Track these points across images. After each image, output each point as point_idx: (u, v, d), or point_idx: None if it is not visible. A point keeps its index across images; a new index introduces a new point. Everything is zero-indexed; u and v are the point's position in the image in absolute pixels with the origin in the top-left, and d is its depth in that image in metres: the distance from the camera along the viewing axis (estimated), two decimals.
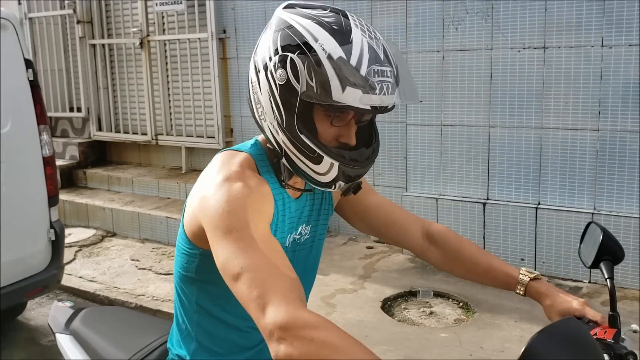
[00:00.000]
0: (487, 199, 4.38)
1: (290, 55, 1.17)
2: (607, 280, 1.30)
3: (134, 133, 6.47)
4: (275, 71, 1.20)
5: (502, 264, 1.48)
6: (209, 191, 1.22)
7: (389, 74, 1.18)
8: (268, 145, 1.32)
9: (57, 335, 1.77)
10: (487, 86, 4.28)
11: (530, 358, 0.94)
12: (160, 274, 4.66)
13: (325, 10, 1.22)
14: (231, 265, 1.10)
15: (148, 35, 6.09)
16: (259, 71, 1.24)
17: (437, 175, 4.56)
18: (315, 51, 1.16)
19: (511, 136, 4.26)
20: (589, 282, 4.01)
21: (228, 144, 5.87)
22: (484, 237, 4.34)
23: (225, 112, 5.80)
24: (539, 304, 1.42)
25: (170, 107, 6.21)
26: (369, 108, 1.16)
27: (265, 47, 1.23)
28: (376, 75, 1.15)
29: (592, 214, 3.96)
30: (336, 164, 1.22)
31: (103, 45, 6.53)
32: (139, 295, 4.29)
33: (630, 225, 3.82)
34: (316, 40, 1.17)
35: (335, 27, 1.18)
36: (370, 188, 1.57)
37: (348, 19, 1.20)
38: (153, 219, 5.40)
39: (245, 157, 1.30)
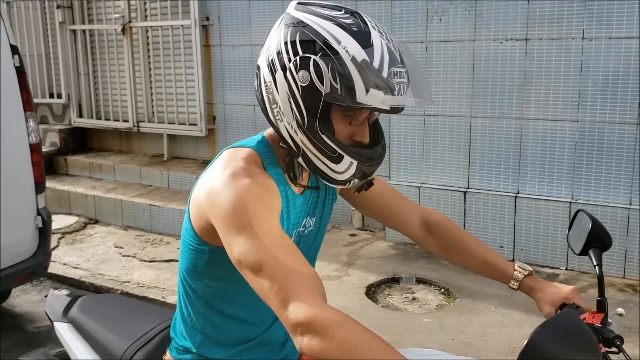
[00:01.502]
0: (468, 187, 4.48)
1: (313, 57, 1.18)
2: (596, 267, 1.37)
3: (115, 120, 6.43)
4: (297, 72, 1.20)
5: (498, 257, 1.55)
6: (218, 188, 1.22)
7: (404, 75, 1.21)
8: (281, 144, 1.31)
9: (55, 323, 1.77)
10: (470, 77, 4.35)
11: (533, 350, 1.00)
12: (145, 261, 4.67)
13: (340, 10, 1.24)
14: (249, 261, 1.13)
15: (130, 22, 6.04)
16: (276, 71, 1.23)
17: (419, 164, 4.64)
18: (339, 53, 1.17)
19: (492, 126, 4.34)
20: (566, 269, 4.13)
21: (210, 132, 5.88)
22: (464, 225, 4.43)
23: (208, 99, 5.80)
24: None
25: (152, 94, 6.18)
26: (389, 108, 1.19)
27: (282, 46, 1.22)
28: (395, 77, 1.19)
29: (570, 202, 4.07)
30: (355, 162, 1.25)
31: (84, 30, 6.46)
32: (125, 282, 4.30)
33: (607, 214, 3.94)
34: (339, 42, 1.18)
35: (355, 29, 1.19)
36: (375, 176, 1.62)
37: (365, 20, 1.22)
38: (136, 206, 5.39)
39: (251, 153, 1.31)
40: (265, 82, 1.27)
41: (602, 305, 1.33)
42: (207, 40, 5.69)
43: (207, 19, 5.64)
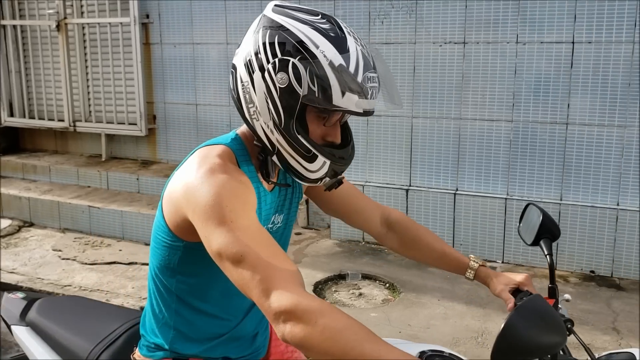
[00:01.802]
0: (410, 185, 4.61)
1: (291, 59, 1.23)
2: (547, 256, 1.49)
3: (49, 119, 6.21)
4: (275, 74, 1.24)
5: (453, 251, 1.65)
6: (195, 184, 1.25)
7: (376, 80, 1.28)
8: (255, 142, 1.36)
9: (12, 327, 1.73)
10: (411, 78, 4.49)
11: (509, 332, 1.09)
12: (86, 263, 4.56)
13: (316, 15, 1.29)
14: (230, 253, 1.16)
15: (65, 18, 5.86)
16: (254, 71, 1.27)
17: (363, 163, 4.74)
18: (317, 57, 1.22)
19: (432, 126, 4.50)
20: (502, 262, 4.34)
21: (151, 131, 5.79)
22: None
23: (148, 98, 5.71)
24: (485, 285, 1.61)
25: (89, 92, 6.02)
26: (362, 111, 1.25)
27: (260, 48, 1.26)
28: (369, 81, 1.26)
29: (506, 199, 4.28)
30: (328, 162, 1.31)
31: (15, 26, 6.21)
32: (66, 286, 4.19)
33: None
34: (317, 46, 1.23)
35: (332, 35, 1.25)
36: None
37: (341, 26, 1.28)
38: (74, 208, 5.25)
39: (225, 150, 1.34)
40: (242, 82, 1.31)
41: (553, 292, 1.44)
42: (147, 38, 5.60)
43: (147, 16, 5.55)
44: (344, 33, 1.27)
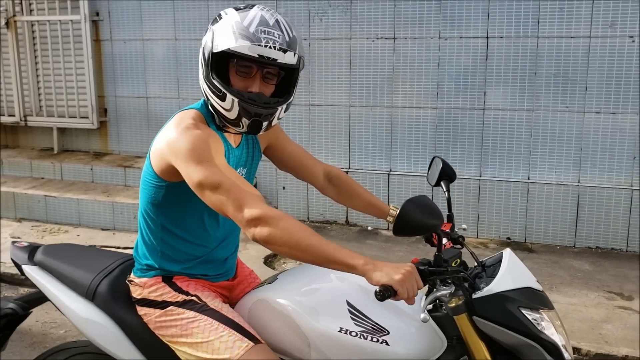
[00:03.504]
0: (349, 168, 5.09)
1: (210, 27, 1.72)
2: (446, 192, 1.96)
3: None
4: (202, 40, 1.73)
5: (379, 201, 2.11)
6: (176, 137, 1.64)
7: (276, 35, 1.65)
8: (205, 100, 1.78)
9: (23, 267, 2.07)
10: (348, 71, 4.97)
11: (403, 214, 1.56)
12: None
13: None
14: (209, 182, 1.55)
15: (14, 15, 6.04)
16: (200, 47, 1.76)
17: (306, 148, 5.17)
18: (222, 19, 1.69)
19: (367, 114, 4.99)
20: None
21: (102, 124, 6.05)
22: None
23: (99, 92, 5.96)
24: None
25: (39, 88, 6.22)
26: (257, 56, 1.63)
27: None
28: (263, 33, 1.63)
29: None
30: (236, 100, 1.66)
31: None
32: None
33: (462, 185, 4.71)
34: (225, 14, 1.70)
35: (241, 6, 1.71)
36: (287, 139, 2.08)
37: (259, 7, 1.72)
38: (30, 197, 5.47)
39: (197, 113, 1.74)
40: (199, 60, 1.76)
41: (450, 218, 1.92)
42: (98, 35, 5.86)
43: (97, 14, 5.81)
44: (254, 6, 1.71)
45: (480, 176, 4.72)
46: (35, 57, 6.18)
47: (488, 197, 4.70)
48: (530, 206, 4.63)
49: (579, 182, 4.54)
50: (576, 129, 4.49)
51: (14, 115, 6.28)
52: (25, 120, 6.24)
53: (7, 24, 6.03)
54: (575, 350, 3.26)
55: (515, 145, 4.63)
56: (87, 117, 5.99)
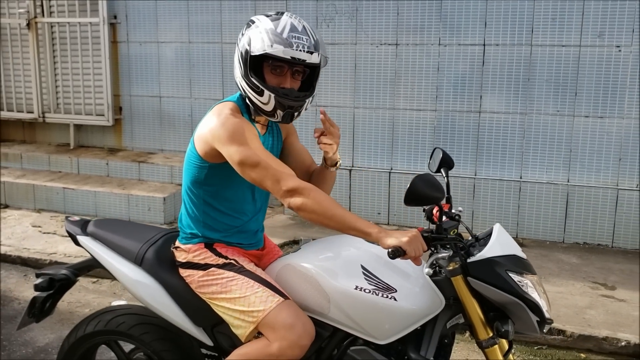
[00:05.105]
0: (352, 166, 5.40)
1: (244, 32, 2.02)
2: (445, 178, 2.27)
3: (19, 111, 6.67)
4: (239, 43, 2.02)
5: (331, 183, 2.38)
6: (217, 125, 1.96)
7: (304, 39, 1.97)
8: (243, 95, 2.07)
9: (78, 237, 2.37)
10: (352, 74, 5.29)
11: (413, 187, 1.87)
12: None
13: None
14: (250, 161, 1.88)
15: (35, 17, 6.35)
16: (236, 48, 2.05)
17: (312, 147, 5.47)
18: (257, 26, 1.98)
19: (371, 115, 5.30)
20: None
21: (117, 121, 6.35)
22: (349, 197, 5.35)
23: (115, 91, 6.27)
24: None
25: (57, 86, 6.51)
26: (290, 58, 1.94)
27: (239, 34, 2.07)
28: (294, 38, 1.95)
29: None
30: (272, 95, 1.98)
31: None
32: (52, 254, 4.73)
33: (458, 183, 5.03)
34: (259, 20, 2.01)
35: (271, 14, 2.02)
36: (297, 137, 2.39)
37: (284, 12, 2.02)
38: (49, 190, 5.76)
39: (233, 105, 2.06)
40: (235, 60, 2.06)
41: (449, 199, 2.22)
42: (115, 37, 6.17)
43: (115, 17, 6.12)
44: (283, 14, 2.01)
45: (476, 175, 5.04)
46: (54, 57, 6.48)
47: (482, 194, 5.02)
48: (522, 203, 4.95)
49: (568, 181, 4.86)
50: (566, 132, 4.81)
51: (32, 112, 6.58)
52: (44, 117, 6.54)
53: (28, 25, 6.33)
54: (561, 332, 3.58)
55: (508, 146, 4.95)
56: (103, 115, 6.29)
